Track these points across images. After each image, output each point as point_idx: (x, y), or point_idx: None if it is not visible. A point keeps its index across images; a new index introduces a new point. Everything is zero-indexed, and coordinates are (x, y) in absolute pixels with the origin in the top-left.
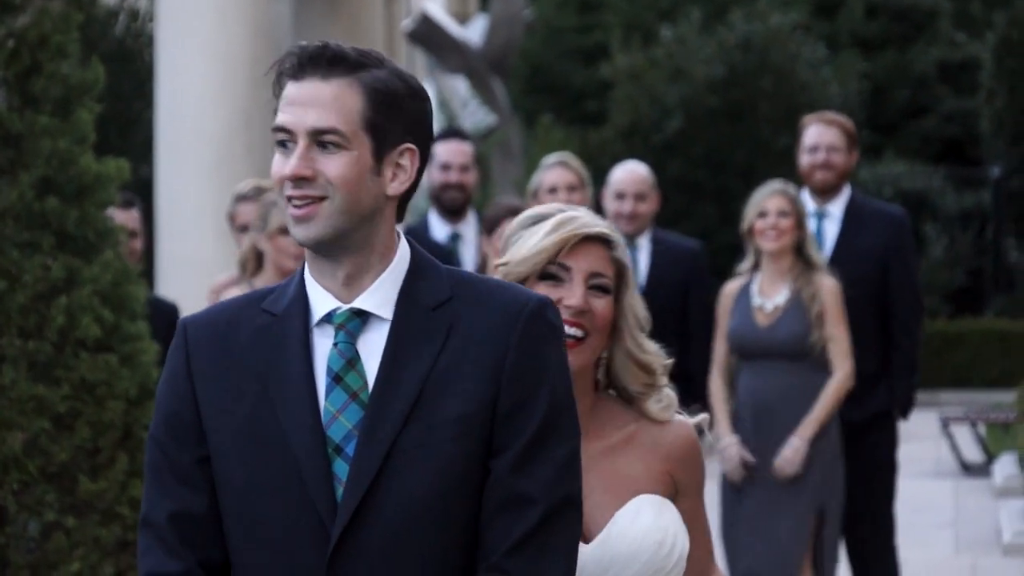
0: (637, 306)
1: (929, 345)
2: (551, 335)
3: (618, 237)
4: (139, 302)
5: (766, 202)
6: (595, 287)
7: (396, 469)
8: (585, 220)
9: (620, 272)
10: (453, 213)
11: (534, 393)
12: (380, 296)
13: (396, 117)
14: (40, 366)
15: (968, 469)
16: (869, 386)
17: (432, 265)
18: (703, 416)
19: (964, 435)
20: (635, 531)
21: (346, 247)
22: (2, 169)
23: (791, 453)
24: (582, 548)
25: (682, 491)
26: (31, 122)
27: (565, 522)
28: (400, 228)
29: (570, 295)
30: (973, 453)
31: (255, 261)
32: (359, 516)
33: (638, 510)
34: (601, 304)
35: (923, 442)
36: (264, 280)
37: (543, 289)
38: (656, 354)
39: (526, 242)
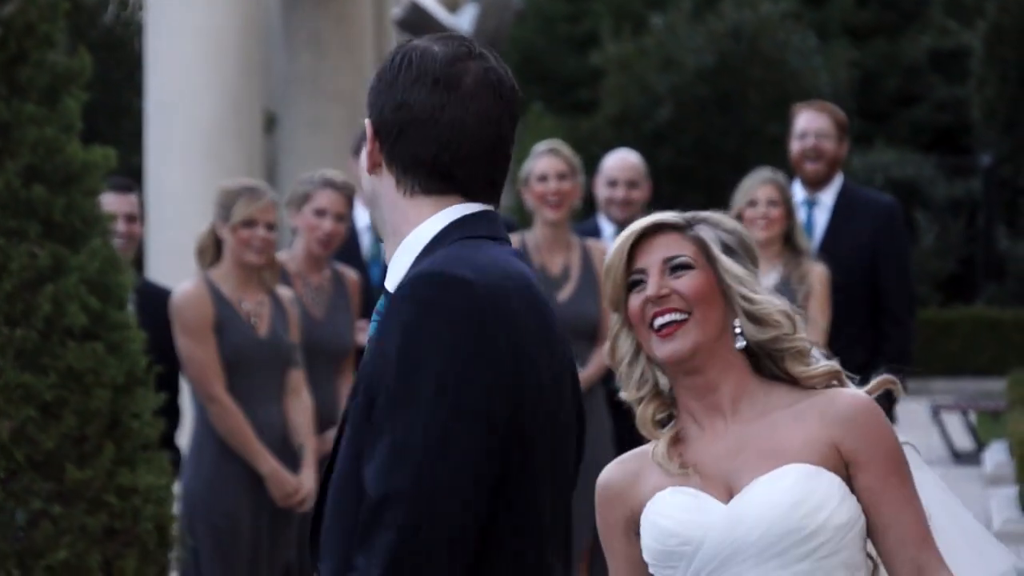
0: (733, 267)
1: (920, 333)
2: (399, 312)
3: (683, 218)
4: (125, 290)
5: (756, 191)
6: (675, 268)
7: None
8: (640, 221)
9: (702, 247)
10: None
11: (379, 381)
12: (394, 276)
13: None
14: (27, 354)
15: (958, 457)
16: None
17: (443, 245)
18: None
19: (955, 423)
20: (770, 493)
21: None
22: None
23: None
24: (716, 508)
25: (858, 464)
26: (18, 110)
27: (384, 520)
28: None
29: (647, 290)
30: (963, 441)
31: (214, 249)
32: None
33: (781, 475)
34: (686, 281)
35: (913, 430)
36: (222, 272)
37: (635, 298)
38: (771, 303)
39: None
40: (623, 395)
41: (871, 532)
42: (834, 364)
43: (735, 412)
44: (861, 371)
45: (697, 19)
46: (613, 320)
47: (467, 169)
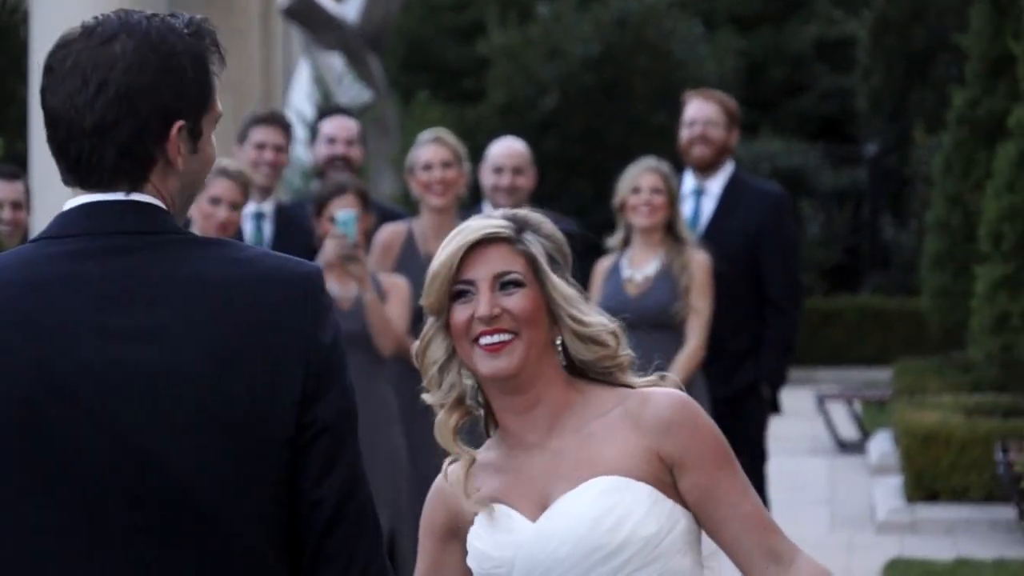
0: (562, 286)
1: (805, 322)
2: None
3: (513, 229)
4: None
5: (640, 178)
6: (506, 284)
7: None
8: (471, 226)
9: (531, 261)
10: None
11: None
12: None
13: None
14: None
15: (843, 446)
16: (739, 363)
17: None
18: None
19: (840, 412)
20: (575, 508)
21: None
22: None
23: None
24: (525, 527)
25: (682, 465)
26: None
27: None
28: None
29: (477, 306)
30: (849, 431)
31: None
32: None
33: (585, 489)
34: (517, 300)
35: (799, 419)
36: None
37: (461, 310)
38: (599, 324)
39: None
40: (426, 398)
41: (711, 531)
42: (664, 378)
43: (553, 428)
44: (744, 358)
45: (583, 8)
46: (428, 323)
47: (64, 157)
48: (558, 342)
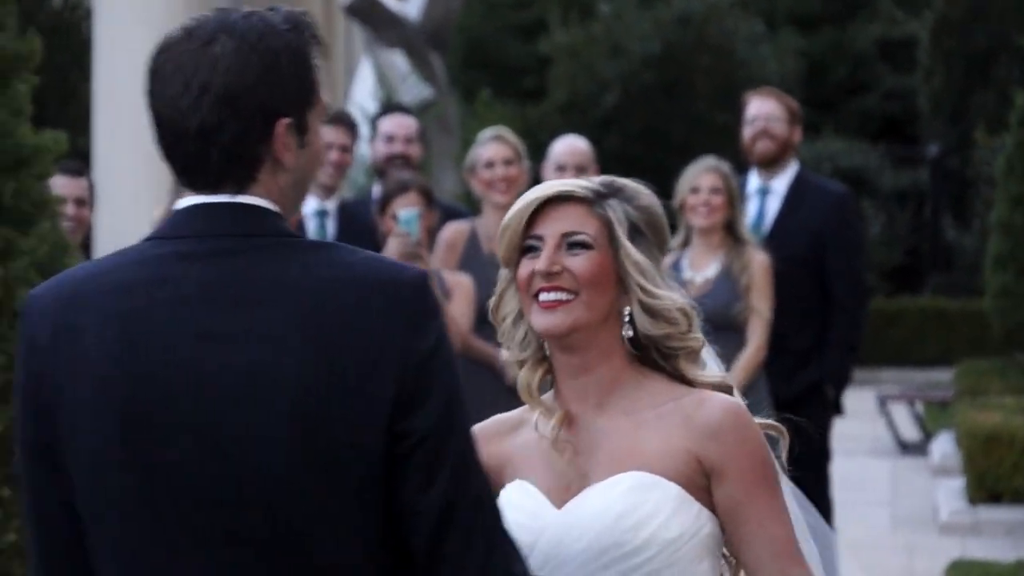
0: (635, 255)
1: (867, 323)
2: None
3: (595, 193)
4: None
5: (699, 178)
6: (573, 244)
7: None
8: (550, 184)
9: (606, 225)
10: None
11: None
12: None
13: None
14: None
15: (905, 447)
16: (801, 364)
17: None
18: (769, 423)
19: (902, 414)
20: (600, 502)
21: None
22: None
23: None
24: (548, 513)
25: (721, 474)
26: None
27: None
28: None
29: (539, 261)
30: (910, 431)
31: None
32: None
33: (614, 484)
34: (581, 262)
35: (860, 420)
36: None
37: (526, 264)
38: (670, 299)
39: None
40: (504, 354)
41: (734, 544)
42: (727, 377)
43: (603, 405)
44: (806, 358)
45: (645, 6)
46: (502, 275)
47: (173, 160)
48: (627, 312)
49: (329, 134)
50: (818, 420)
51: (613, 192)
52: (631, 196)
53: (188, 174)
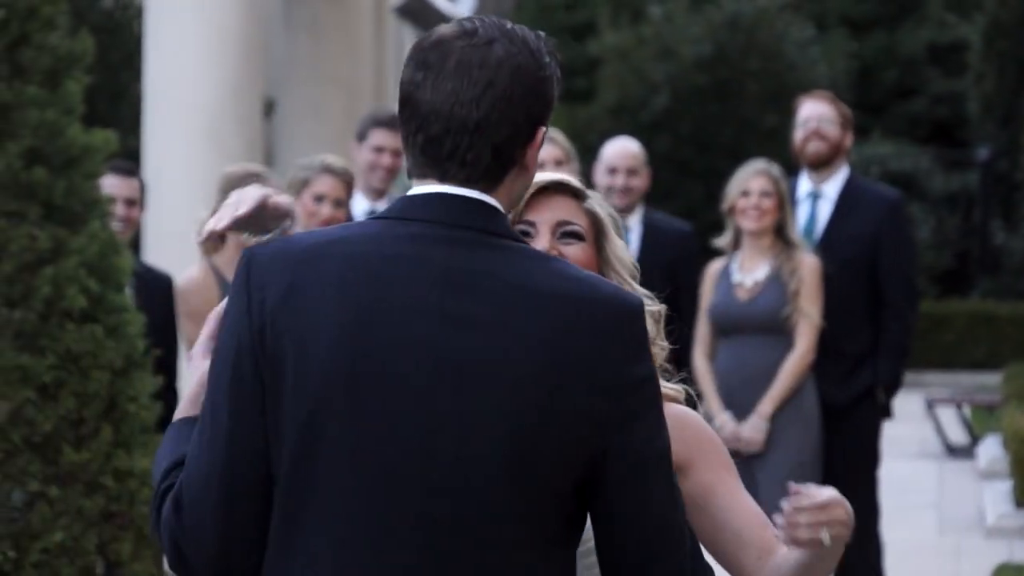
0: (621, 253)
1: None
2: None
3: (584, 189)
4: (125, 273)
5: (749, 181)
6: (566, 235)
7: None
8: (543, 174)
9: (595, 222)
10: None
11: None
12: None
13: None
14: (25, 336)
15: (953, 451)
16: (855, 368)
17: None
18: (678, 388)
19: (949, 417)
20: None
21: None
22: None
23: (749, 431)
24: None
25: (690, 463)
26: (19, 93)
27: None
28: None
29: (536, 244)
30: (958, 435)
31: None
32: None
33: None
34: (574, 251)
35: (908, 423)
36: (226, 258)
37: None
38: (647, 299)
39: None
40: None
41: (708, 531)
42: (683, 391)
43: None
44: (858, 363)
45: (695, 8)
46: None
47: (435, 150)
48: None
49: (384, 137)
50: (869, 425)
51: (588, 192)
52: (601, 201)
53: (446, 165)
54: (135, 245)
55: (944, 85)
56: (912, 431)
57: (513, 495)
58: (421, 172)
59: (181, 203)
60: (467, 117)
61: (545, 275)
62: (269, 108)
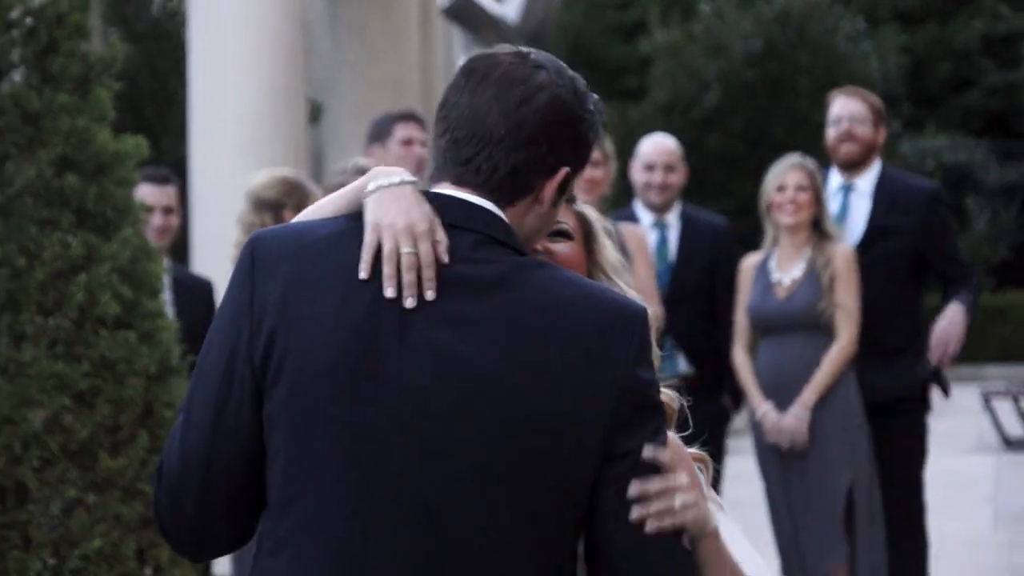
0: (612, 257)
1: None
2: None
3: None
4: (158, 279)
5: (784, 176)
6: (554, 233)
7: None
8: None
9: (583, 223)
10: None
11: None
12: None
13: None
14: (60, 343)
15: (1009, 443)
16: (898, 365)
17: None
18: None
19: (1006, 409)
20: None
21: None
22: (21, 147)
23: (792, 420)
24: None
25: None
26: (49, 100)
27: None
28: None
29: None
30: (1015, 427)
31: None
32: None
33: None
34: (563, 248)
35: (965, 417)
36: None
37: None
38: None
39: None
40: None
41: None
42: (676, 398)
43: None
44: (900, 359)
45: (745, 4)
46: None
47: (456, 153)
48: None
49: (410, 130)
50: (915, 420)
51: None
52: (589, 208)
53: (461, 168)
54: (181, 252)
55: (998, 77)
56: (969, 424)
57: (514, 497)
58: (439, 176)
59: (227, 209)
60: (493, 128)
61: (548, 280)
62: (316, 112)
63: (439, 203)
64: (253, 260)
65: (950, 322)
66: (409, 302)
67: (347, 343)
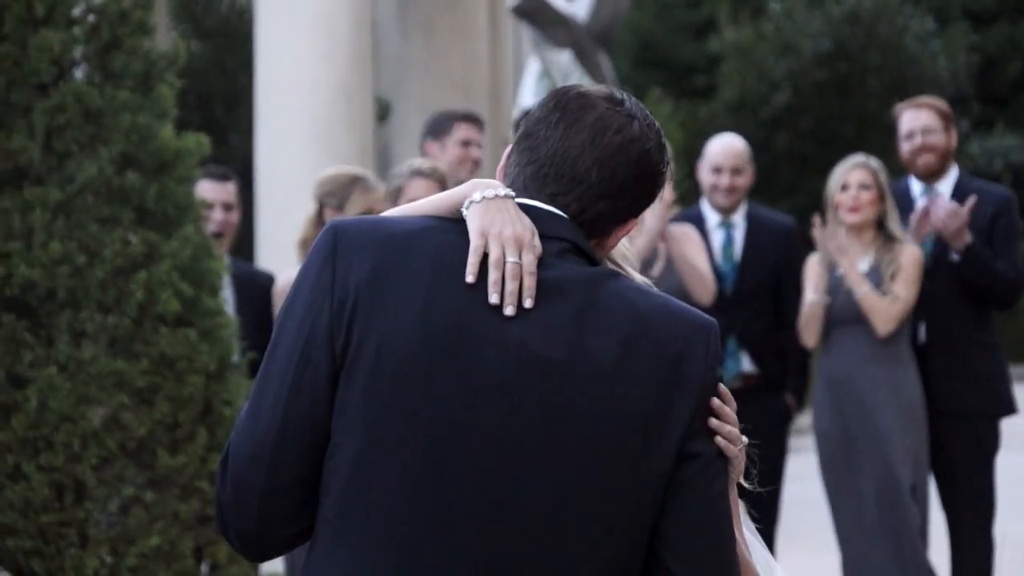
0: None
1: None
2: None
3: None
4: (218, 277)
5: (848, 175)
6: None
7: None
8: None
9: None
10: None
11: None
12: None
13: None
14: (120, 341)
15: None
16: (970, 366)
17: None
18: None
19: None
20: None
21: None
22: (82, 144)
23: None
24: None
25: None
26: (111, 97)
27: None
28: None
29: None
30: None
31: None
32: None
33: None
34: None
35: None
36: None
37: None
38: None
39: None
40: None
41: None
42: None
43: None
44: (970, 358)
45: (815, 4)
46: None
47: (539, 185)
48: None
49: (468, 131)
50: (985, 422)
51: None
52: None
53: (551, 200)
54: (247, 248)
55: None
56: None
57: (588, 497)
58: (519, 191)
59: (294, 207)
60: (585, 173)
61: (626, 290)
62: (384, 111)
63: (531, 213)
64: (335, 244)
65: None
66: (509, 310)
67: (435, 334)
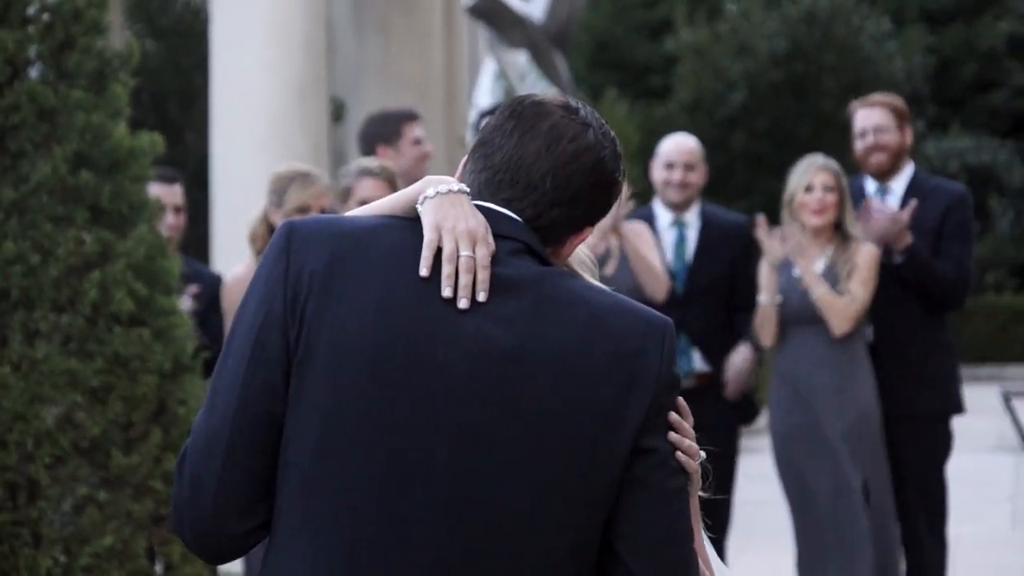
0: (579, 249)
1: (994, 319)
2: None
3: None
4: (172, 276)
5: (813, 177)
6: None
7: None
8: None
9: None
10: None
11: None
12: None
13: None
14: (73, 340)
15: None
16: (920, 371)
17: None
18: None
19: None
20: None
21: None
22: (36, 143)
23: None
24: None
25: None
26: (65, 96)
27: None
28: None
29: None
30: None
31: (267, 236)
32: None
33: None
34: None
35: (985, 417)
36: None
37: None
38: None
39: None
40: None
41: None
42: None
43: None
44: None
45: (771, 4)
46: None
47: (493, 191)
48: None
49: (419, 129)
50: (938, 428)
51: None
52: None
53: (506, 205)
54: (202, 247)
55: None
56: (989, 424)
57: (547, 488)
58: (473, 197)
59: (249, 205)
60: (540, 180)
61: (580, 287)
62: (339, 111)
63: (485, 214)
64: (289, 240)
65: (895, 217)
66: (463, 303)
67: (389, 328)
